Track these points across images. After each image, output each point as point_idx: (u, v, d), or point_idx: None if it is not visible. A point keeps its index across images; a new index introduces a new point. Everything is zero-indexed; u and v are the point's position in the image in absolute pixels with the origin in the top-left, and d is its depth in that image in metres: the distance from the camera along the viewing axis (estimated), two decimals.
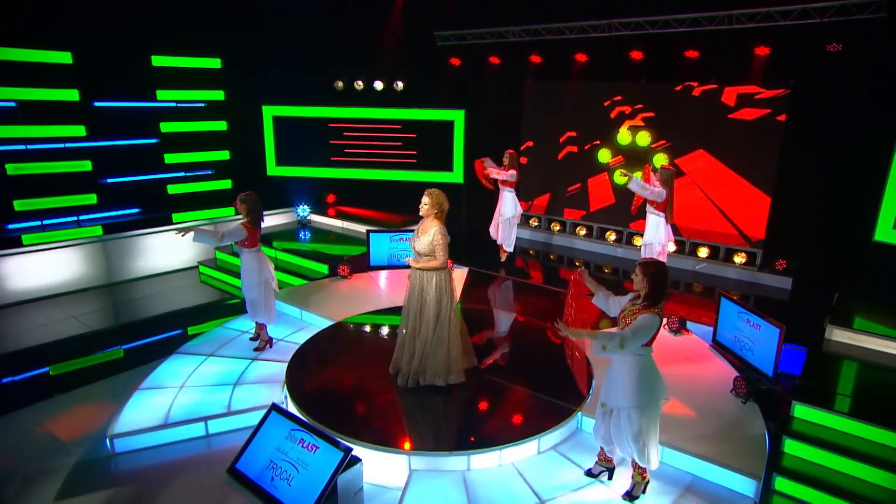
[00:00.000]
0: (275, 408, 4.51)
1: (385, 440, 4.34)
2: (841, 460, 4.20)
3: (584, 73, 9.30)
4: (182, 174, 10.20)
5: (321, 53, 10.86)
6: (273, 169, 11.42)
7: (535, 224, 10.36)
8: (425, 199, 4.82)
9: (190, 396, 5.05)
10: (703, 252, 8.48)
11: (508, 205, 8.28)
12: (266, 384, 5.29)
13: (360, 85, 11.20)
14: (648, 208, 6.96)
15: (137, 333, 6.99)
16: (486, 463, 4.24)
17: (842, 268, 7.18)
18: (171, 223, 9.42)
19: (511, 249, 8.62)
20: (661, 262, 3.77)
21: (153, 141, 9.84)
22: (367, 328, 6.40)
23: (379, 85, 11.09)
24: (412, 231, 8.24)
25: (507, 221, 8.39)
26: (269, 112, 11.16)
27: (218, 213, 10.12)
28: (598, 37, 8.77)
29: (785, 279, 7.75)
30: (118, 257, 8.76)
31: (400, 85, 11.01)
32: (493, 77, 10.26)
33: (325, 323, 6.45)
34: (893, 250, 6.77)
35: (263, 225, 5.87)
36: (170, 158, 10.00)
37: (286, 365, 5.48)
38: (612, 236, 9.41)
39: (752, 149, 7.88)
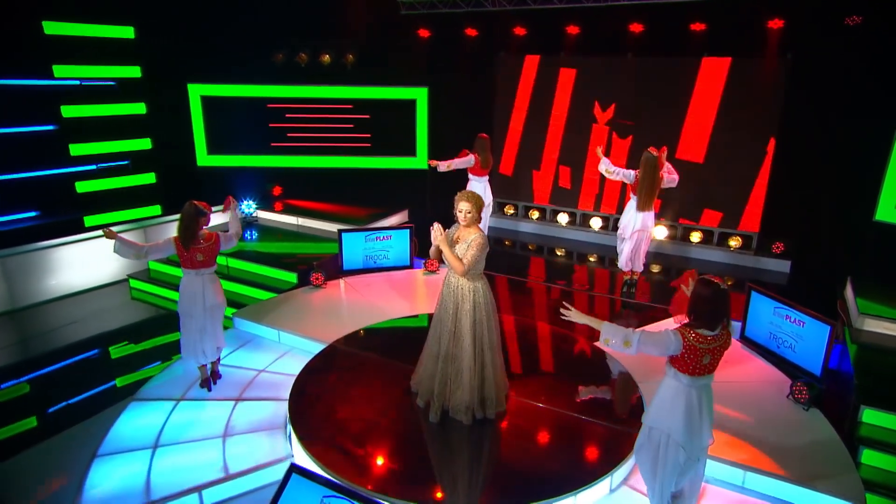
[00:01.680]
0: (295, 469, 3.73)
1: (430, 495, 3.71)
2: None
3: (568, 48, 8.84)
4: (93, 167, 8.72)
5: (259, 21, 9.64)
6: (204, 159, 10.12)
7: (511, 212, 9.91)
8: (466, 206, 4.16)
9: (170, 460, 4.13)
10: (696, 237, 8.41)
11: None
12: (264, 432, 4.47)
13: (303, 59, 10.11)
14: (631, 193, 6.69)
15: (67, 377, 5.79)
16: None
17: (842, 249, 7.30)
18: (84, 228, 8.05)
19: None
20: (713, 282, 3.27)
21: (51, 128, 8.30)
22: (368, 348, 5.63)
23: (326, 59, 10.07)
24: (389, 230, 7.71)
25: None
26: (197, 91, 9.82)
27: (140, 213, 8.79)
28: (589, 7, 8.31)
29: (783, 262, 7.83)
30: (20, 276, 7.32)
31: (350, 59, 10.05)
32: (462, 51, 9.57)
33: (312, 346, 5.63)
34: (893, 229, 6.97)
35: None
36: (76, 150, 8.47)
37: (282, 404, 4.67)
38: (597, 223, 9.16)
39: (747, 127, 7.82)
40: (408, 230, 7.62)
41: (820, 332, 4.98)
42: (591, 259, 8.51)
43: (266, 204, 9.85)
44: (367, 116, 10.32)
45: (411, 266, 7.68)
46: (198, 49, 9.37)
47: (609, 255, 8.33)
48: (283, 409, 4.72)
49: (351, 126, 10.42)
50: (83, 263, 7.82)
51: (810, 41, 7.04)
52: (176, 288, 5.05)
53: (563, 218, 9.42)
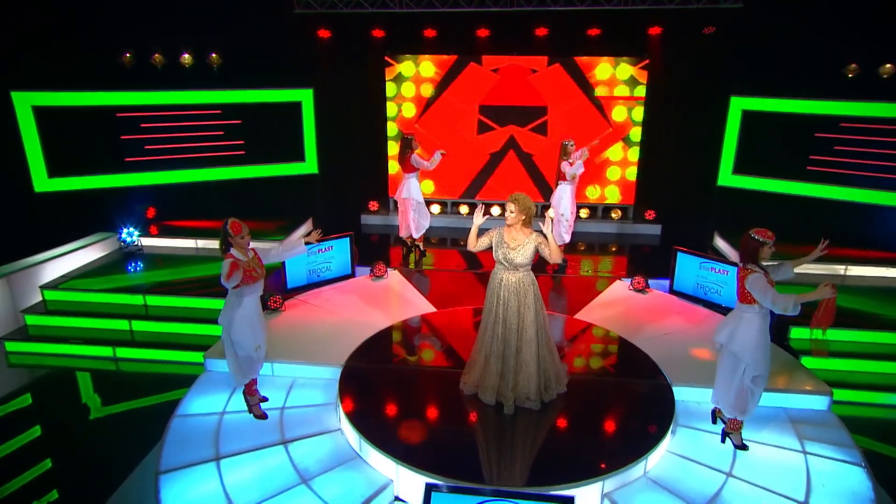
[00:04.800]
0: (433, 488, 3.84)
1: (545, 479, 4.14)
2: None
3: (446, 49, 9.42)
4: None
5: (104, 14, 8.32)
6: (44, 183, 8.45)
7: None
8: (511, 207, 4.55)
9: None
10: (584, 213, 9.81)
11: (414, 189, 7.95)
12: (345, 466, 4.34)
13: (158, 60, 9.04)
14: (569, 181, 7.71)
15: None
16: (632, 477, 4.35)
17: (699, 211, 9.32)
18: None
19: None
20: (748, 231, 4.36)
21: None
22: (392, 359, 5.72)
23: (187, 60, 9.15)
24: (330, 240, 7.43)
25: (419, 207, 8.06)
26: (25, 101, 8.13)
27: None
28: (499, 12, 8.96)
29: (655, 226, 9.63)
30: None
31: (215, 59, 9.28)
32: (356, 52, 9.49)
33: (315, 371, 5.46)
34: (732, 191, 9.17)
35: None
36: None
37: (336, 434, 4.61)
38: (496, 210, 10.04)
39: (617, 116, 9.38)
40: (347, 238, 7.55)
41: None
42: None
43: (143, 229, 8.67)
44: (239, 122, 9.71)
45: (353, 275, 7.64)
46: (23, 50, 7.79)
47: None
48: (341, 439, 4.63)
49: (221, 133, 9.70)
50: None
51: (677, 43, 8.80)
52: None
53: (464, 209, 10.11)
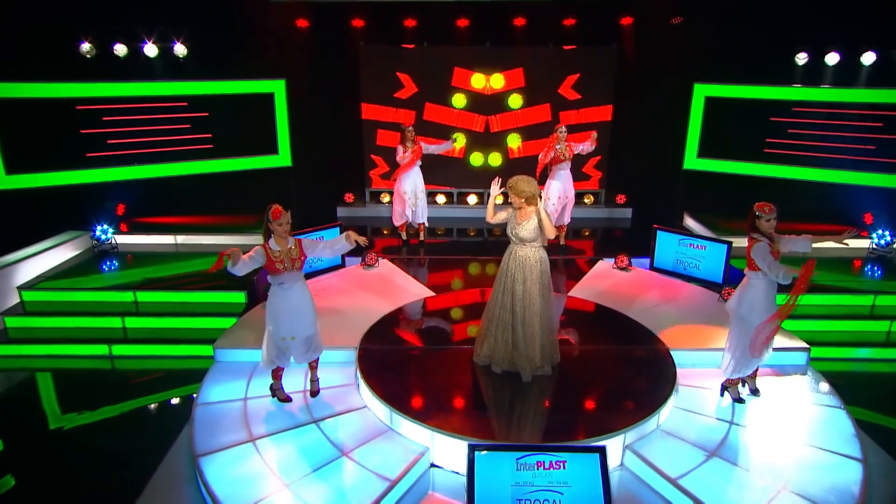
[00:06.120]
0: (475, 448, 4.21)
1: (571, 435, 4.60)
2: None
3: (424, 38, 9.76)
4: None
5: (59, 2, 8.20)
6: (2, 180, 8.23)
7: (387, 199, 10.49)
8: (510, 194, 5.03)
9: (316, 491, 4.09)
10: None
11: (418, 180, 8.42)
12: (380, 439, 4.65)
13: (122, 50, 8.94)
14: (561, 166, 8.26)
15: None
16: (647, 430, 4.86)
17: (668, 195, 10.07)
18: None
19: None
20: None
21: None
22: (404, 339, 6.07)
23: (152, 50, 9.09)
24: (319, 230, 7.62)
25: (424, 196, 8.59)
26: None
27: None
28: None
29: (626, 210, 10.33)
30: None
31: (182, 49, 9.25)
32: (333, 42, 9.67)
33: (331, 356, 5.67)
34: (697, 174, 9.98)
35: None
36: None
37: (355, 413, 4.96)
38: (473, 199, 10.46)
39: (587, 103, 10.01)
40: (337, 228, 7.77)
41: (718, 250, 7.21)
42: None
43: (132, 227, 8.61)
44: (206, 115, 9.74)
45: (343, 265, 7.88)
46: None
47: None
48: (369, 415, 4.94)
49: (188, 126, 9.71)
50: None
51: (648, 34, 9.50)
52: None
53: (440, 199, 10.48)
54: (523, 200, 5.01)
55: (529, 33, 9.66)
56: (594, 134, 8.19)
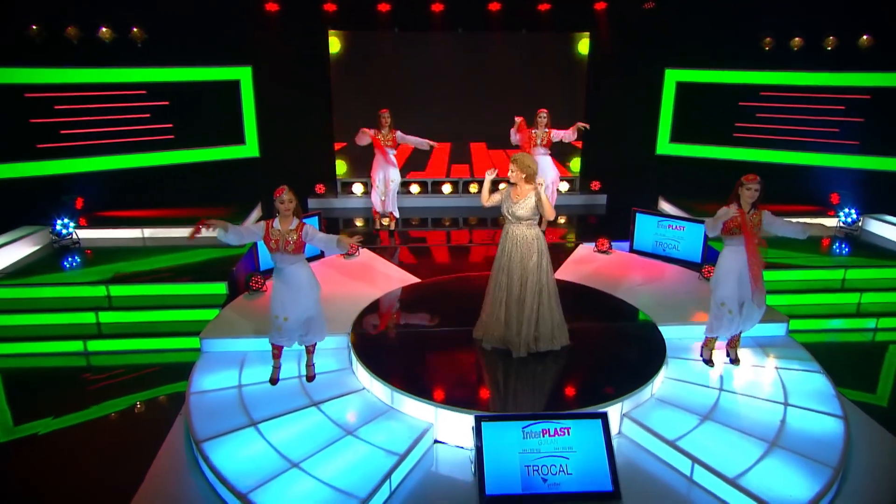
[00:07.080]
0: (482, 419, 4.42)
1: (573, 404, 4.87)
2: None
3: (395, 23, 9.92)
4: None
5: None
6: None
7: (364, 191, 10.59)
8: (512, 167, 5.21)
9: (326, 468, 4.23)
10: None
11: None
12: (382, 417, 4.81)
13: (72, 33, 8.77)
14: (537, 150, 8.56)
15: None
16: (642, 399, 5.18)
17: (641, 179, 10.51)
18: None
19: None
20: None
21: None
22: (396, 322, 6.28)
23: (106, 33, 8.96)
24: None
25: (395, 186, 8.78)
26: None
27: None
28: None
29: (602, 196, 10.72)
30: None
31: (138, 33, 9.13)
32: (292, 26, 9.70)
33: (324, 342, 5.82)
34: (670, 159, 10.45)
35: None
36: None
37: (355, 395, 5.13)
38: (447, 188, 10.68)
39: (560, 89, 10.35)
40: (316, 217, 7.86)
41: (696, 231, 7.61)
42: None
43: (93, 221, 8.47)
44: (167, 103, 9.66)
45: (322, 255, 7.97)
46: None
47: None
48: (369, 396, 5.09)
49: (147, 115, 9.62)
50: None
51: (618, 18, 9.89)
52: None
53: (414, 189, 10.66)
54: (524, 177, 5.23)
55: (503, 19, 9.92)
56: (578, 124, 8.51)
